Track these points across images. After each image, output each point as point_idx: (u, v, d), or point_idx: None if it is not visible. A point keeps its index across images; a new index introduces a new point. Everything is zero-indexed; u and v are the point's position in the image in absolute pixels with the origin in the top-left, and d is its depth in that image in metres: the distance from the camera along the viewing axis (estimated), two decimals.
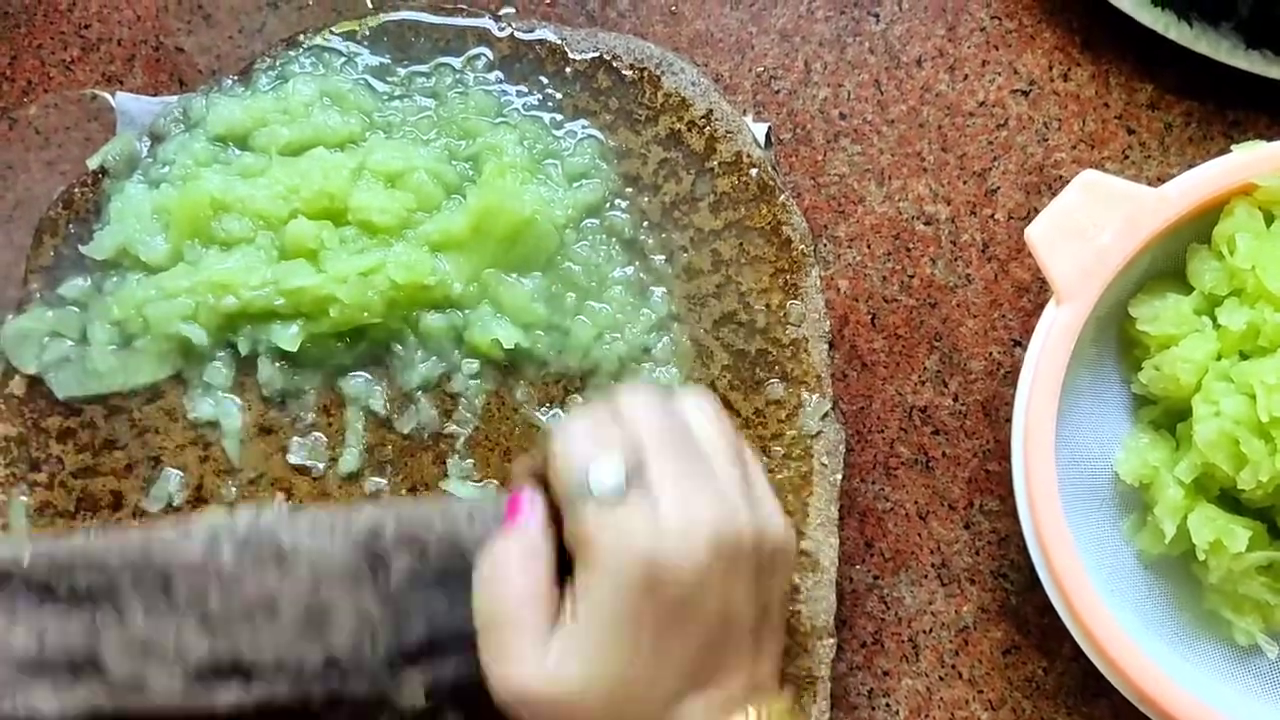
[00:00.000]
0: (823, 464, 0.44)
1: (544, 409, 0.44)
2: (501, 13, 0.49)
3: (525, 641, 0.32)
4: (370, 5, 0.51)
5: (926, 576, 0.49)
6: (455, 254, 0.44)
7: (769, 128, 0.49)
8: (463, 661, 0.35)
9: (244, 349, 0.44)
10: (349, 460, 0.44)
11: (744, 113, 0.49)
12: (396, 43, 0.46)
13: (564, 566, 0.34)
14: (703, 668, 0.33)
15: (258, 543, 0.35)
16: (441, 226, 0.44)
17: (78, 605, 0.35)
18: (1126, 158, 0.50)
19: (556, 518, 0.34)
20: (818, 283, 0.44)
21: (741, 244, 0.45)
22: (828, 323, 0.44)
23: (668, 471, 0.33)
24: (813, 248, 0.45)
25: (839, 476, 0.44)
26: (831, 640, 0.43)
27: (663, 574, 0.32)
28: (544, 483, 0.35)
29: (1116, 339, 0.45)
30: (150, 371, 0.44)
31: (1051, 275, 0.42)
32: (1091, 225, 0.42)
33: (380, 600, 0.35)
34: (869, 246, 0.50)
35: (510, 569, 0.33)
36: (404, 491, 0.44)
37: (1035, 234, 0.42)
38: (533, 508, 0.35)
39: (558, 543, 0.34)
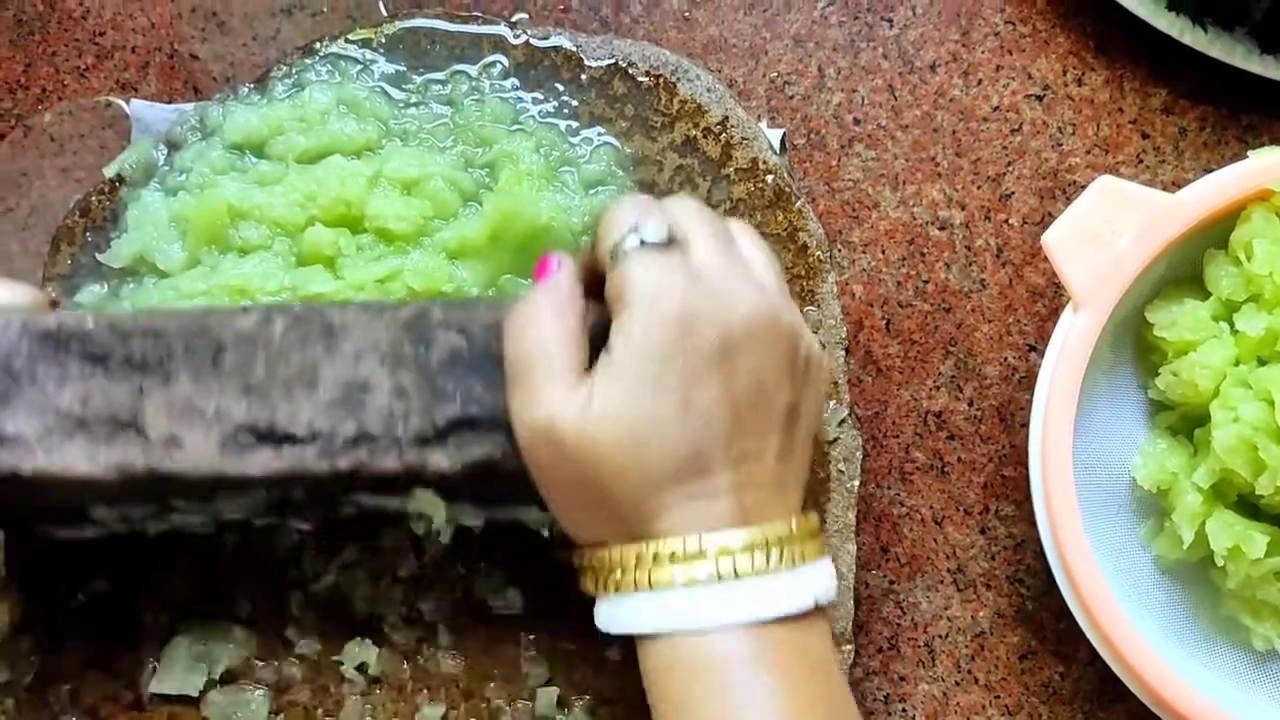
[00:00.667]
0: (840, 470, 0.44)
1: None
2: (515, 19, 0.49)
3: (557, 379, 0.32)
4: (385, 13, 0.51)
5: (942, 582, 0.49)
6: (472, 261, 0.44)
7: (783, 133, 0.49)
8: (493, 443, 0.35)
9: None
10: None
11: (758, 118, 0.49)
12: (412, 50, 0.46)
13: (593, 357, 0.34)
14: (730, 431, 0.32)
15: (308, 319, 0.36)
16: (458, 234, 0.44)
17: (128, 373, 0.35)
18: (1141, 162, 0.50)
19: (590, 290, 0.34)
20: (834, 289, 0.44)
21: None
22: (844, 329, 0.44)
23: (711, 249, 0.34)
24: (829, 254, 0.45)
25: (856, 483, 0.44)
26: (849, 647, 0.43)
27: (699, 318, 0.32)
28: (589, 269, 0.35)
29: (1133, 344, 0.45)
30: None
31: (1068, 281, 0.42)
32: (1108, 231, 0.42)
33: (418, 377, 0.35)
34: (883, 252, 0.50)
35: (542, 314, 0.33)
36: None
37: (1052, 240, 0.42)
38: (562, 267, 0.35)
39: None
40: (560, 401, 0.32)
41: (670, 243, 0.33)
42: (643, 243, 0.33)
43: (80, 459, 0.35)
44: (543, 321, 0.33)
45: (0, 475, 0.35)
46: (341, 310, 0.36)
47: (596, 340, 0.33)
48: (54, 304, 0.40)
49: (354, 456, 0.35)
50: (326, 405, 0.35)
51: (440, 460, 0.35)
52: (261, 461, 0.35)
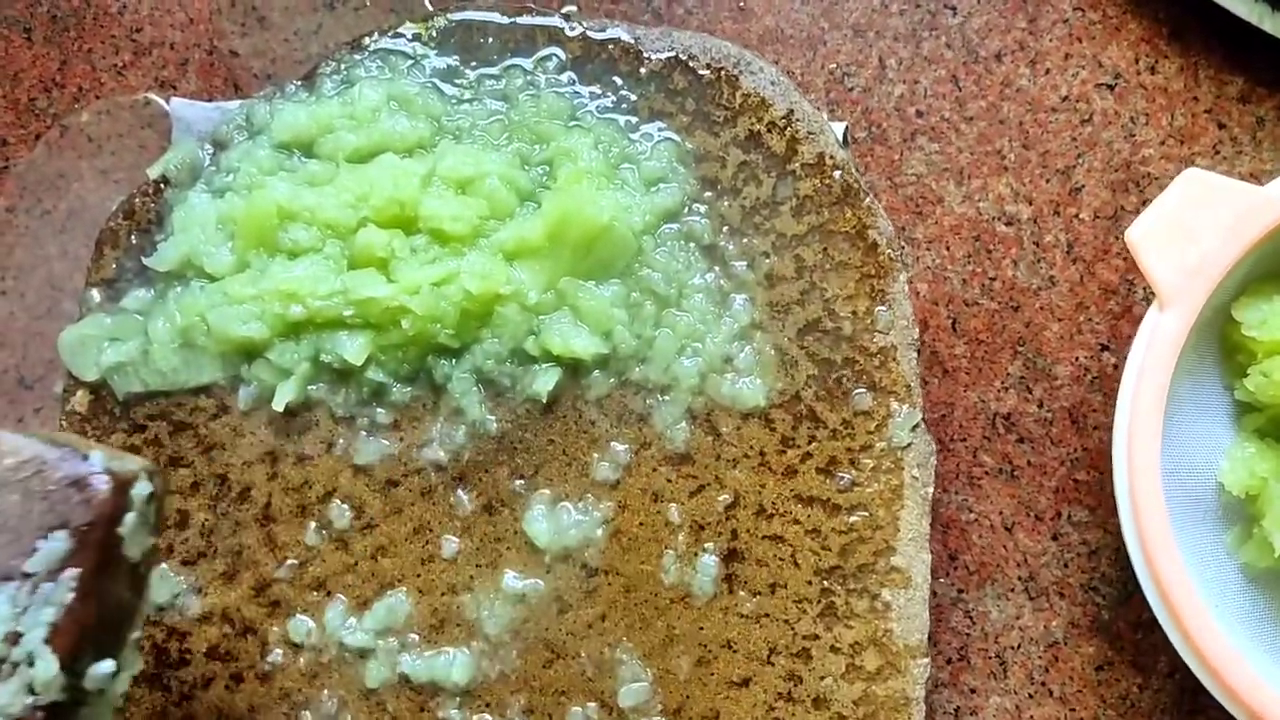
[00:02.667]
0: (914, 477, 0.42)
1: (620, 422, 0.43)
2: (565, 10, 0.47)
3: None
4: (430, 6, 0.50)
5: (1013, 590, 0.47)
6: (530, 262, 0.42)
7: (846, 127, 0.48)
8: None
9: (305, 356, 0.43)
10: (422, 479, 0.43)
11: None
12: (464, 44, 0.44)
13: None
14: None
15: None
16: (516, 234, 0.42)
17: None
18: (1217, 153, 0.48)
19: None
20: (905, 288, 0.43)
21: (825, 249, 0.43)
22: (916, 330, 0.43)
23: None
24: (900, 252, 0.43)
25: (930, 490, 0.42)
26: (925, 660, 0.42)
27: None
28: None
29: (1217, 343, 0.43)
30: (211, 371, 0.43)
31: (1154, 279, 0.40)
32: (1196, 226, 0.40)
33: None
34: (948, 248, 0.48)
35: None
36: (481, 509, 0.43)
37: (1136, 236, 0.40)
38: None
39: None
40: None
41: None
42: None
43: None
44: None
45: None
46: None
47: None
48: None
49: None
50: None
51: None
52: None
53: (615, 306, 0.42)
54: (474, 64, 0.44)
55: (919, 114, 0.49)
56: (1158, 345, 0.40)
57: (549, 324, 0.42)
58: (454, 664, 0.42)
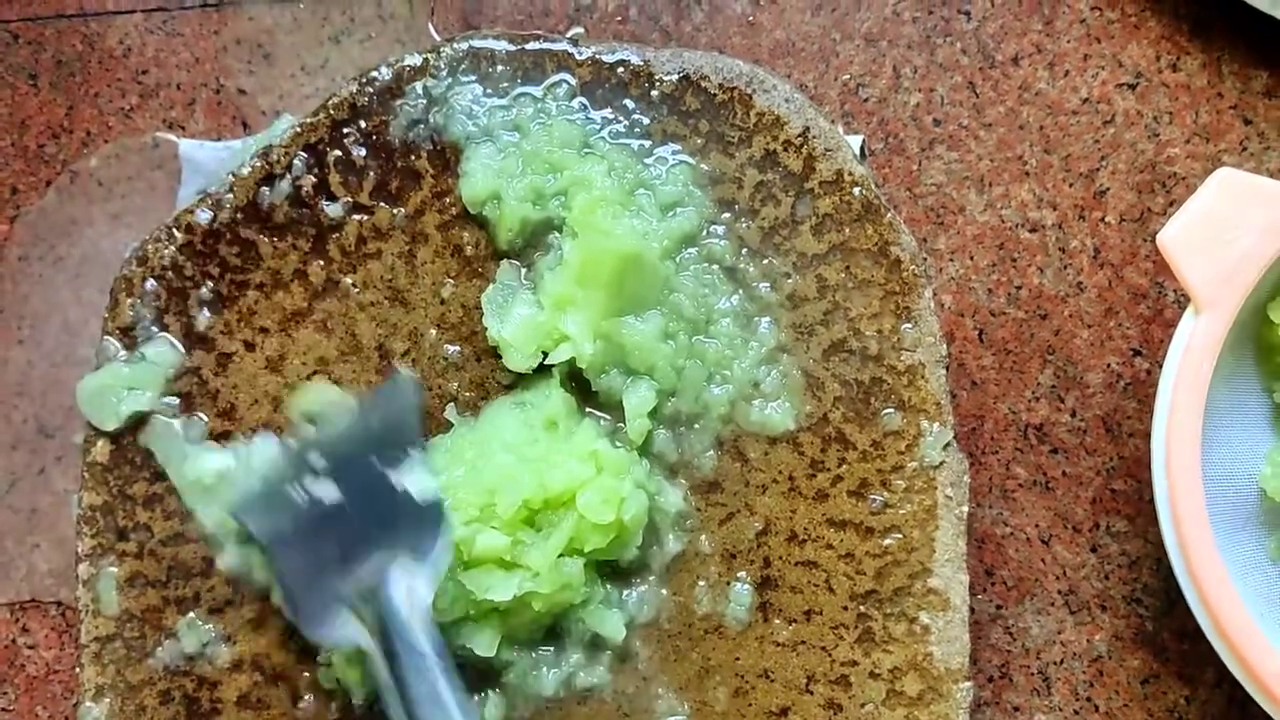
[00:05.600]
0: (947, 496, 0.41)
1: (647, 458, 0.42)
2: (571, 34, 0.46)
3: None
4: (436, 37, 0.49)
5: (1053, 604, 0.46)
6: (573, 312, 0.41)
7: (863, 140, 0.47)
8: None
9: None
10: None
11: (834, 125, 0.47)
12: (474, 72, 0.44)
13: None
14: None
15: None
16: (553, 292, 0.41)
17: None
18: (1245, 150, 0.47)
19: None
20: (931, 304, 0.42)
21: (848, 267, 0.42)
22: (945, 346, 0.42)
23: None
24: (924, 267, 0.42)
25: (965, 509, 0.41)
26: (968, 684, 0.41)
27: None
28: None
29: (1253, 345, 0.42)
30: None
31: (1189, 283, 0.39)
32: (1229, 227, 0.39)
33: None
34: (972, 258, 0.47)
35: None
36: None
37: (1169, 238, 0.39)
38: None
39: None
40: None
41: None
42: None
43: None
44: None
45: None
46: None
47: None
48: None
49: None
50: None
51: None
52: None
53: (660, 339, 0.41)
54: (487, 94, 0.43)
55: (936, 122, 0.48)
56: (1195, 350, 0.39)
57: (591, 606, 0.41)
58: (487, 703, 0.41)
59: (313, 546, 0.40)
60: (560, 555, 0.40)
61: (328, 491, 0.40)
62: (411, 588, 0.38)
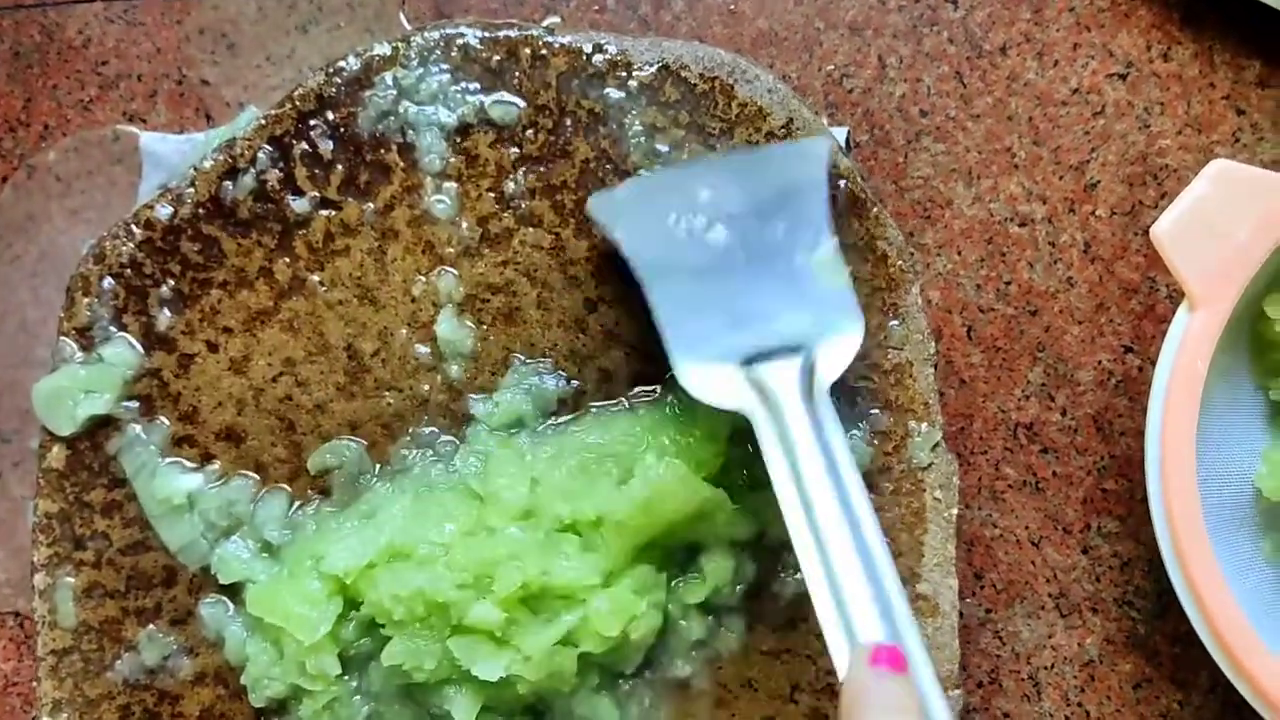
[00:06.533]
0: (936, 499, 0.40)
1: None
2: (546, 22, 0.45)
3: None
4: (407, 25, 0.48)
5: (1044, 608, 0.45)
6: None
7: (847, 131, 0.46)
8: None
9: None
10: None
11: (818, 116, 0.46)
12: (446, 62, 0.42)
13: None
14: None
15: None
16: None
17: None
18: (1238, 141, 0.46)
19: None
20: (918, 301, 0.41)
21: None
22: (932, 344, 0.41)
23: None
24: (911, 263, 0.41)
25: (954, 511, 0.40)
26: (957, 692, 0.40)
27: None
28: None
29: (1248, 341, 0.41)
30: None
31: (1184, 278, 0.38)
32: (1224, 220, 0.38)
33: None
34: (960, 253, 0.46)
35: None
36: None
37: (1162, 232, 0.38)
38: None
39: None
40: None
41: None
42: None
43: None
44: None
45: None
46: None
47: None
48: None
49: None
50: None
51: None
52: None
53: None
54: (461, 82, 0.41)
55: (923, 114, 0.47)
56: (1189, 347, 0.38)
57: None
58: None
59: (696, 288, 0.37)
60: (556, 643, 0.37)
61: (719, 237, 0.37)
62: (818, 370, 0.36)
